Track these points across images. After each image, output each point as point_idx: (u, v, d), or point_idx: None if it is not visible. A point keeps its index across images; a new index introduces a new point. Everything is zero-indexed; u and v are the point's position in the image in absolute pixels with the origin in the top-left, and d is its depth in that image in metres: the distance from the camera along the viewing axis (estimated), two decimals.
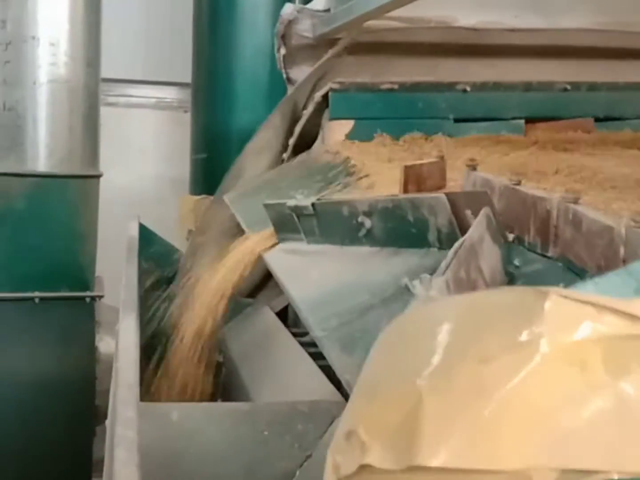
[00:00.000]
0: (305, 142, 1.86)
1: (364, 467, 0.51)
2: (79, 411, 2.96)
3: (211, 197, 2.04)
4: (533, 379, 0.46)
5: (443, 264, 0.72)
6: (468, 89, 1.79)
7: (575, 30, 1.88)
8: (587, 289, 0.48)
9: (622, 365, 0.46)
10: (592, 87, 1.87)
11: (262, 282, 1.90)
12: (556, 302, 0.47)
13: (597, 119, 1.87)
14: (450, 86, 1.79)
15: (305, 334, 1.58)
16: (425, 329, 0.51)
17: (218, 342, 1.76)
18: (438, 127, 1.76)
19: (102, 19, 3.01)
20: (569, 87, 1.85)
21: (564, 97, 1.85)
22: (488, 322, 0.49)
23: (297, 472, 1.12)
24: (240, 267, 1.43)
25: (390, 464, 0.49)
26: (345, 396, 1.24)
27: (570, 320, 0.47)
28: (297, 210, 1.21)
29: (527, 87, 1.83)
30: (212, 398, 1.67)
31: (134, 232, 1.83)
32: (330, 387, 1.29)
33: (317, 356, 1.42)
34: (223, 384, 1.75)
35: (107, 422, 1.28)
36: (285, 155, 1.77)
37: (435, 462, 0.47)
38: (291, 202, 1.23)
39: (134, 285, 1.41)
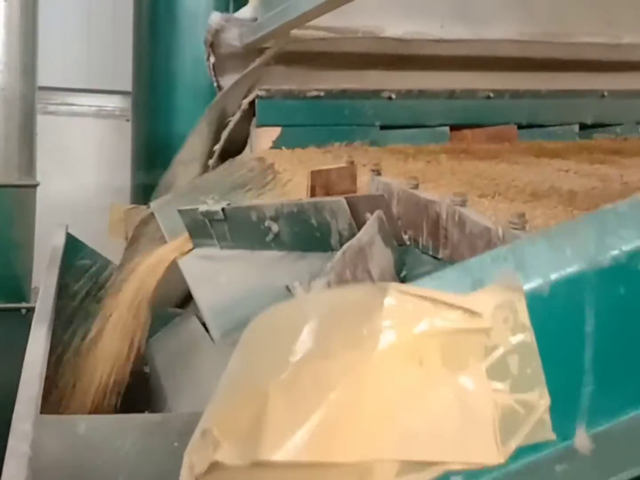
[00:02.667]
0: (234, 150, 1.86)
1: (215, 465, 0.50)
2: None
3: (141, 207, 2.02)
4: (372, 374, 0.47)
5: (329, 266, 0.72)
6: (393, 96, 1.81)
7: (500, 41, 1.91)
8: (426, 285, 0.49)
9: (459, 359, 0.47)
10: (515, 94, 1.91)
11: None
12: (395, 297, 0.47)
13: (520, 126, 1.91)
14: (376, 93, 1.81)
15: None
16: (280, 327, 0.51)
17: (144, 354, 1.74)
18: (364, 134, 1.77)
19: (41, 27, 2.98)
20: (492, 94, 1.88)
21: (487, 104, 1.88)
22: (335, 319, 0.49)
23: None
24: (156, 274, 1.42)
25: (238, 460, 0.49)
26: None
27: (409, 315, 0.47)
28: (209, 215, 1.20)
29: (451, 94, 1.86)
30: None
31: (60, 241, 1.80)
32: None
33: None
34: (148, 396, 1.73)
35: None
36: (210, 162, 1.77)
37: (277, 457, 0.47)
38: (203, 207, 1.22)
39: (51, 296, 1.39)
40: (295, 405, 0.47)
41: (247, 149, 1.85)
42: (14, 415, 0.93)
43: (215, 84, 1.94)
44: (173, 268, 1.59)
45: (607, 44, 1.99)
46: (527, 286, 0.48)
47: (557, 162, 1.49)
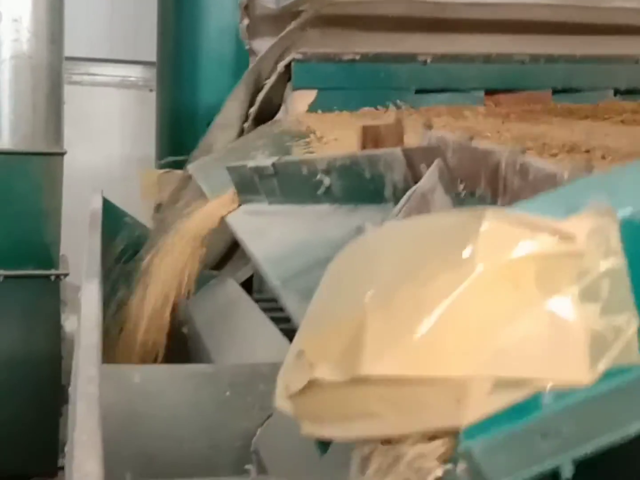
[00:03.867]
0: (268, 114, 1.87)
1: (312, 383, 0.52)
2: (44, 391, 2.95)
3: (175, 171, 2.04)
4: (469, 295, 0.48)
5: (395, 210, 0.73)
6: (429, 60, 1.81)
7: (534, 5, 1.91)
8: (521, 210, 0.50)
9: (553, 282, 0.49)
10: (550, 59, 1.91)
11: (227, 254, 1.91)
12: (492, 223, 0.49)
13: (555, 91, 1.91)
14: (411, 58, 1.81)
15: (269, 300, 1.59)
16: (370, 256, 0.53)
17: (183, 315, 1.77)
18: (399, 98, 1.78)
19: None
20: (527, 59, 1.88)
21: (522, 69, 1.88)
22: (428, 245, 0.51)
23: (258, 431, 1.14)
24: (203, 233, 1.43)
25: (336, 377, 0.51)
26: None
27: (505, 240, 0.49)
28: (258, 170, 1.22)
29: (487, 59, 1.86)
30: None
31: (97, 204, 1.83)
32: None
33: (280, 321, 1.44)
34: (187, 355, 1.76)
35: (71, 387, 1.28)
36: (246, 125, 1.78)
37: (377, 371, 0.49)
38: (252, 163, 1.24)
39: (97, 253, 1.41)
40: (393, 324, 0.49)
41: (280, 112, 1.86)
42: (78, 362, 0.95)
43: (247, 47, 1.94)
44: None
45: None
46: (619, 213, 0.49)
47: (597, 123, 1.49)
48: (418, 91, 1.81)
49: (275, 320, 1.42)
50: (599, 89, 1.98)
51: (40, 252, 2.86)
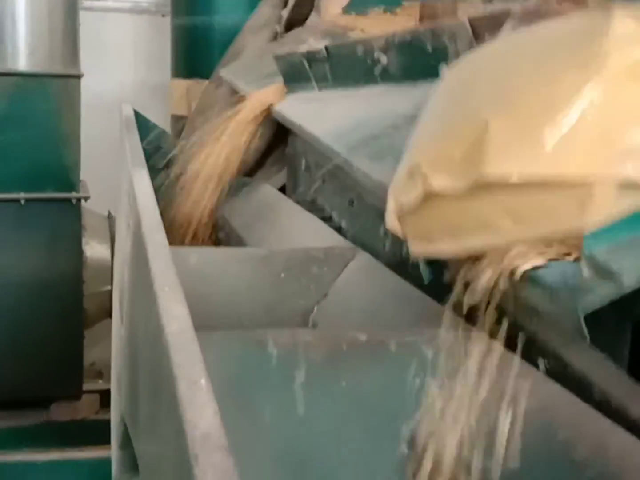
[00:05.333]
0: (300, 18, 1.85)
1: (428, 196, 0.53)
2: (67, 314, 2.98)
3: (204, 81, 2.02)
4: (597, 94, 0.48)
5: None
6: None
7: None
8: None
9: None
10: None
11: (258, 162, 1.91)
12: (621, 21, 0.49)
13: None
14: None
15: (308, 202, 1.60)
16: (488, 65, 0.53)
17: (218, 220, 1.77)
18: None
19: None
20: None
21: None
22: (553, 46, 0.51)
23: (315, 309, 1.15)
24: (251, 121, 1.42)
25: (457, 184, 0.51)
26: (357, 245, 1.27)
27: (635, 38, 0.49)
28: (310, 55, 1.20)
29: None
30: None
31: (129, 111, 1.82)
32: (341, 238, 1.32)
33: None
34: None
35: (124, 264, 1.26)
36: (278, 27, 1.76)
37: (500, 171, 0.49)
38: (303, 48, 1.22)
39: (139, 147, 1.41)
40: (518, 127, 0.50)
41: (312, 16, 1.84)
42: (148, 246, 0.94)
43: None
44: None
45: None
46: None
47: None
48: None
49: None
50: None
51: (60, 175, 2.86)
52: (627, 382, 0.73)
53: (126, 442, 1.35)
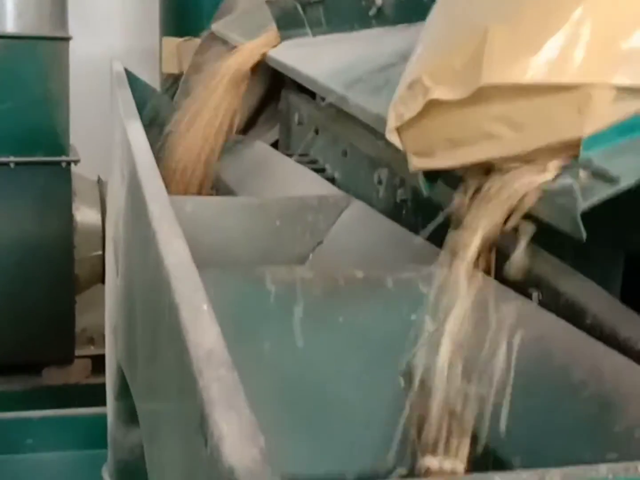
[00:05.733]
0: None
1: (428, 107, 0.53)
2: (58, 278, 2.98)
3: (196, 39, 2.00)
4: (595, 2, 0.49)
5: None
6: None
7: None
8: None
9: None
10: None
11: (250, 120, 1.90)
12: None
13: None
14: None
15: (300, 155, 1.60)
16: None
17: (211, 177, 1.77)
18: None
19: None
20: None
21: None
22: None
23: (310, 256, 1.16)
24: (245, 75, 1.41)
25: (457, 93, 0.52)
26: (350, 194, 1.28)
27: None
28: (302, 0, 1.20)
29: None
30: None
31: (119, 68, 1.80)
32: (335, 188, 1.33)
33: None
34: None
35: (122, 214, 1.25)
36: None
37: (501, 78, 0.49)
38: None
39: (131, 100, 1.40)
40: (518, 35, 0.50)
41: None
42: (144, 189, 0.94)
43: None
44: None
45: None
46: None
47: None
48: None
49: None
50: None
51: (50, 139, 2.85)
52: (620, 308, 0.75)
53: (123, 393, 1.36)
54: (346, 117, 1.43)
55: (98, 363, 3.15)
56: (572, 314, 0.72)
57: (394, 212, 1.16)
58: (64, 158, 2.89)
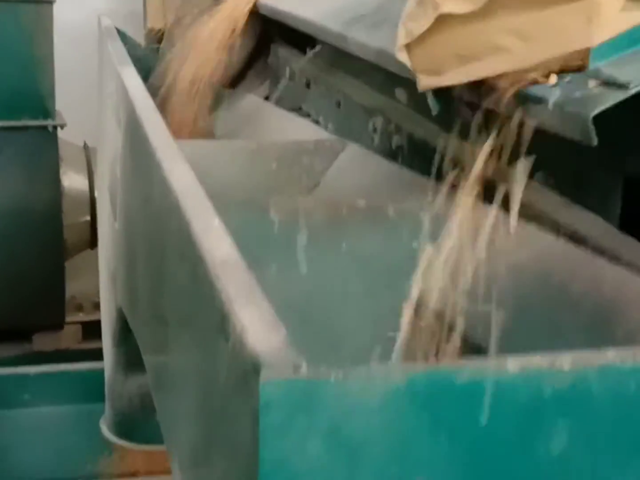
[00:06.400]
0: None
1: (437, 24, 0.55)
2: (47, 245, 2.97)
3: None
4: None
5: None
6: None
7: None
8: None
9: None
10: None
11: (240, 75, 1.90)
12: None
13: None
14: None
15: (292, 109, 1.61)
16: None
17: (202, 130, 1.77)
18: None
19: None
20: None
21: None
22: None
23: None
24: (234, 23, 1.41)
25: (467, 6, 0.53)
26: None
27: None
28: None
29: None
30: None
31: (108, 22, 1.79)
32: (329, 135, 1.34)
33: None
34: None
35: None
36: None
37: None
38: None
39: (123, 49, 1.40)
40: None
41: None
42: (144, 124, 0.95)
43: None
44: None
45: None
46: None
47: None
48: None
49: None
50: None
51: (36, 103, 2.83)
52: (620, 235, 0.77)
53: (122, 339, 1.38)
54: (339, 68, 1.44)
55: (88, 329, 3.16)
56: (573, 243, 0.74)
57: (390, 158, 1.18)
58: (50, 122, 2.87)
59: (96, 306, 3.51)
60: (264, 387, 0.44)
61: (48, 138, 2.87)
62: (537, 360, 0.48)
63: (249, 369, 0.46)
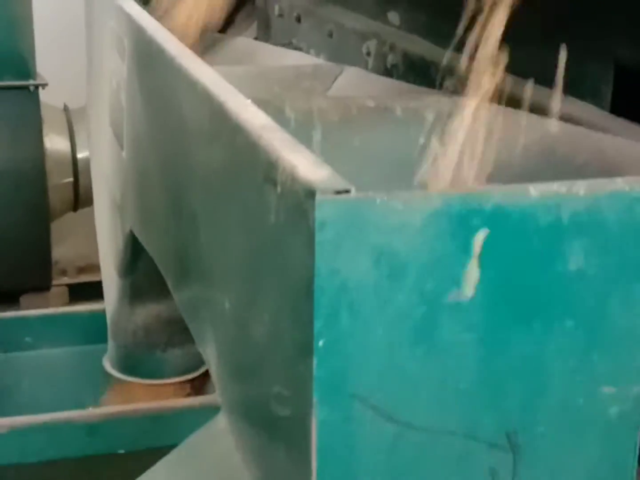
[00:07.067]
0: None
1: None
2: (32, 207, 2.99)
3: None
4: None
5: None
6: None
7: None
8: None
9: None
10: None
11: (227, 21, 1.93)
12: None
13: None
14: None
15: (283, 46, 1.65)
16: None
17: None
18: None
19: None
20: None
21: None
22: None
23: None
24: None
25: None
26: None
27: None
28: None
29: None
30: None
31: None
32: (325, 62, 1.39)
33: None
34: None
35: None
36: None
37: None
38: None
39: None
40: None
41: None
42: (157, 38, 0.99)
43: None
44: None
45: None
46: None
47: None
48: None
49: None
50: None
51: (16, 63, 2.83)
52: (614, 118, 0.83)
53: (129, 268, 1.42)
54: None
55: (75, 291, 3.19)
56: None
57: (386, 76, 1.23)
58: (31, 82, 2.87)
59: (80, 270, 3.53)
60: (319, 206, 0.50)
61: (30, 98, 2.87)
62: (556, 187, 0.54)
63: (303, 196, 0.51)
